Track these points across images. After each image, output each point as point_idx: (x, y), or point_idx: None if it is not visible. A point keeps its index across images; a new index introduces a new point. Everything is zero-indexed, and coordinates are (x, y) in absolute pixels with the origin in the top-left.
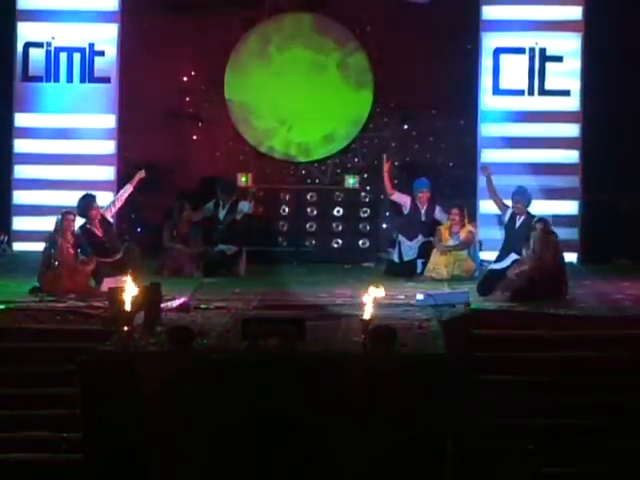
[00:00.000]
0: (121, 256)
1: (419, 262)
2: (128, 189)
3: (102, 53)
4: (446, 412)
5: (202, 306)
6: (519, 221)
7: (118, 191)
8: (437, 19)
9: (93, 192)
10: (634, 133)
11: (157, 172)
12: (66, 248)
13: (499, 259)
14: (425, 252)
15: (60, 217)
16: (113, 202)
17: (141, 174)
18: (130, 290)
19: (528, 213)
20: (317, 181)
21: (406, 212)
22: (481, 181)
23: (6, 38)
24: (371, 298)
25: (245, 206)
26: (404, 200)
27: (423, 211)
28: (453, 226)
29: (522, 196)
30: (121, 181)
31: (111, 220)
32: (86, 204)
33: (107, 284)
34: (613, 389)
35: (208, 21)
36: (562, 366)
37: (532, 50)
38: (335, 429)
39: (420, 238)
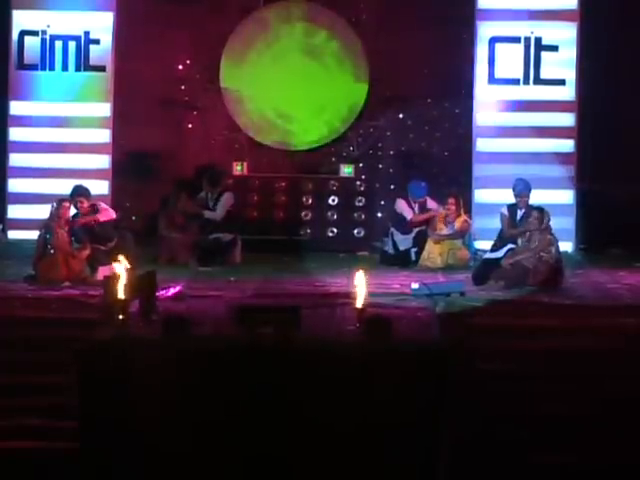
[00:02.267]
0: (115, 244)
1: (412, 251)
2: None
3: (97, 41)
4: (443, 402)
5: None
6: (520, 214)
7: (113, 180)
8: (433, 8)
9: (88, 180)
10: (629, 122)
11: (152, 160)
12: (61, 234)
13: (494, 249)
14: (419, 241)
15: (56, 204)
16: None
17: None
18: (123, 275)
19: (528, 205)
20: (312, 170)
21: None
22: (476, 170)
23: (1, 26)
24: (363, 287)
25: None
26: (407, 209)
27: (417, 209)
28: (448, 215)
29: (526, 187)
30: (116, 170)
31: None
32: (72, 194)
33: (102, 272)
34: (610, 378)
35: (204, 9)
36: (558, 355)
37: (527, 39)
38: (329, 417)
39: (414, 231)
